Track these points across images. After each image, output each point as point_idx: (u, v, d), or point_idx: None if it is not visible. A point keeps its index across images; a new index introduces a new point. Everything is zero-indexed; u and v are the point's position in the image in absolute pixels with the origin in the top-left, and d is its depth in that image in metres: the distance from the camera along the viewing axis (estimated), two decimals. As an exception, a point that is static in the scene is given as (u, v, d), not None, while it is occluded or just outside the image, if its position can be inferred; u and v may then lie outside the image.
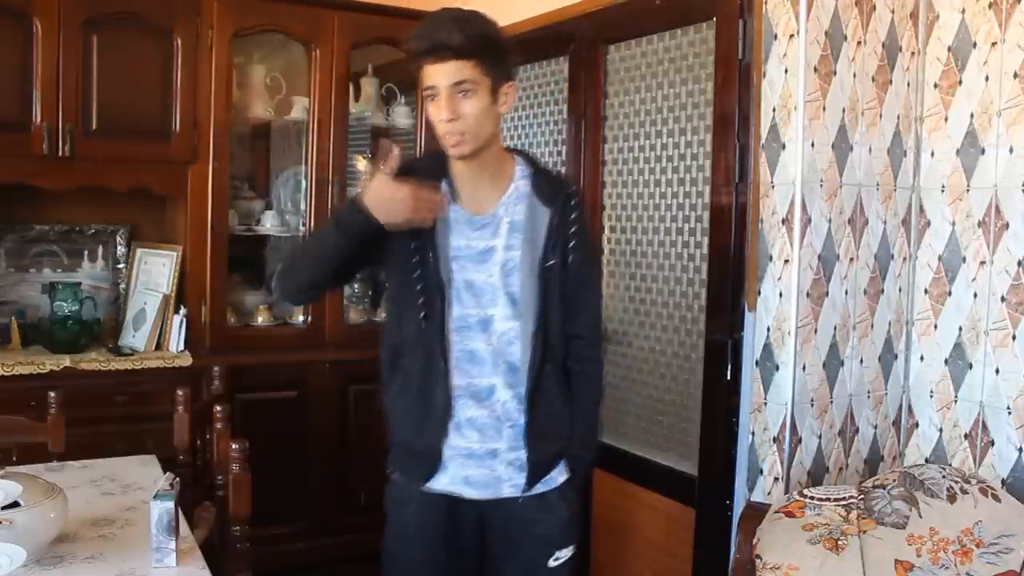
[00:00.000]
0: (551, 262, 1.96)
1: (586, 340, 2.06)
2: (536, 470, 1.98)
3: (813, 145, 2.31)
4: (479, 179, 1.95)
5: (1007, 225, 2.29)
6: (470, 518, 2.00)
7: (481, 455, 1.96)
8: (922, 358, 2.52)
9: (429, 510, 1.98)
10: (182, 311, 3.42)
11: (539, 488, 1.99)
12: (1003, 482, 2.27)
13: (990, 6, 2.31)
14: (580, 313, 2.03)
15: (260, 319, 3.67)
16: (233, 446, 2.12)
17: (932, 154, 2.48)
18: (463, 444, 1.96)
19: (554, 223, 1.96)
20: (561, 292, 1.98)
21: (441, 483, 1.97)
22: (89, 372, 3.19)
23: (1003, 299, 2.30)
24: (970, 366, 2.38)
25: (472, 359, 1.96)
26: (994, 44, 2.31)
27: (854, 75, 2.38)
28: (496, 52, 1.87)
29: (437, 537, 1.99)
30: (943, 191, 2.45)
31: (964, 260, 2.39)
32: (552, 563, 2.01)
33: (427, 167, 1.97)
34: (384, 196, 1.83)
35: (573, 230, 1.99)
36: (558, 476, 2.02)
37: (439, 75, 1.84)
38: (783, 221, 2.34)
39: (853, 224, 2.42)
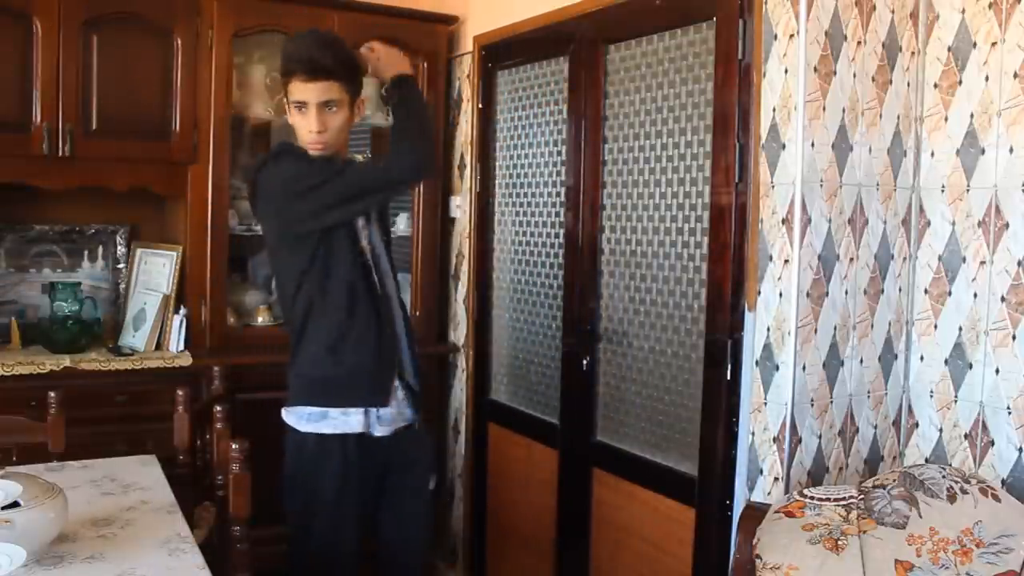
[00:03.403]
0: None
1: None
2: (419, 401, 2.44)
3: (813, 145, 2.31)
4: None
5: (1007, 225, 2.29)
6: (373, 453, 2.33)
7: None
8: (922, 358, 2.52)
9: (345, 457, 2.30)
10: (182, 311, 3.42)
11: (414, 420, 2.44)
12: (1003, 482, 2.27)
13: (990, 6, 2.31)
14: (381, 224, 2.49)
15: (260, 319, 3.66)
16: (233, 446, 2.12)
17: (932, 154, 2.48)
18: None
19: None
20: (387, 243, 2.48)
21: (353, 424, 2.31)
22: (89, 372, 3.19)
23: (1003, 299, 2.30)
24: (970, 366, 2.38)
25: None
26: (994, 44, 2.31)
27: (854, 75, 2.38)
28: (355, 73, 2.28)
29: (353, 478, 2.31)
30: (943, 191, 2.45)
31: (964, 260, 2.39)
32: (432, 485, 2.49)
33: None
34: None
35: None
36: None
37: (310, 92, 2.20)
38: (783, 221, 2.34)
39: (853, 224, 2.42)
